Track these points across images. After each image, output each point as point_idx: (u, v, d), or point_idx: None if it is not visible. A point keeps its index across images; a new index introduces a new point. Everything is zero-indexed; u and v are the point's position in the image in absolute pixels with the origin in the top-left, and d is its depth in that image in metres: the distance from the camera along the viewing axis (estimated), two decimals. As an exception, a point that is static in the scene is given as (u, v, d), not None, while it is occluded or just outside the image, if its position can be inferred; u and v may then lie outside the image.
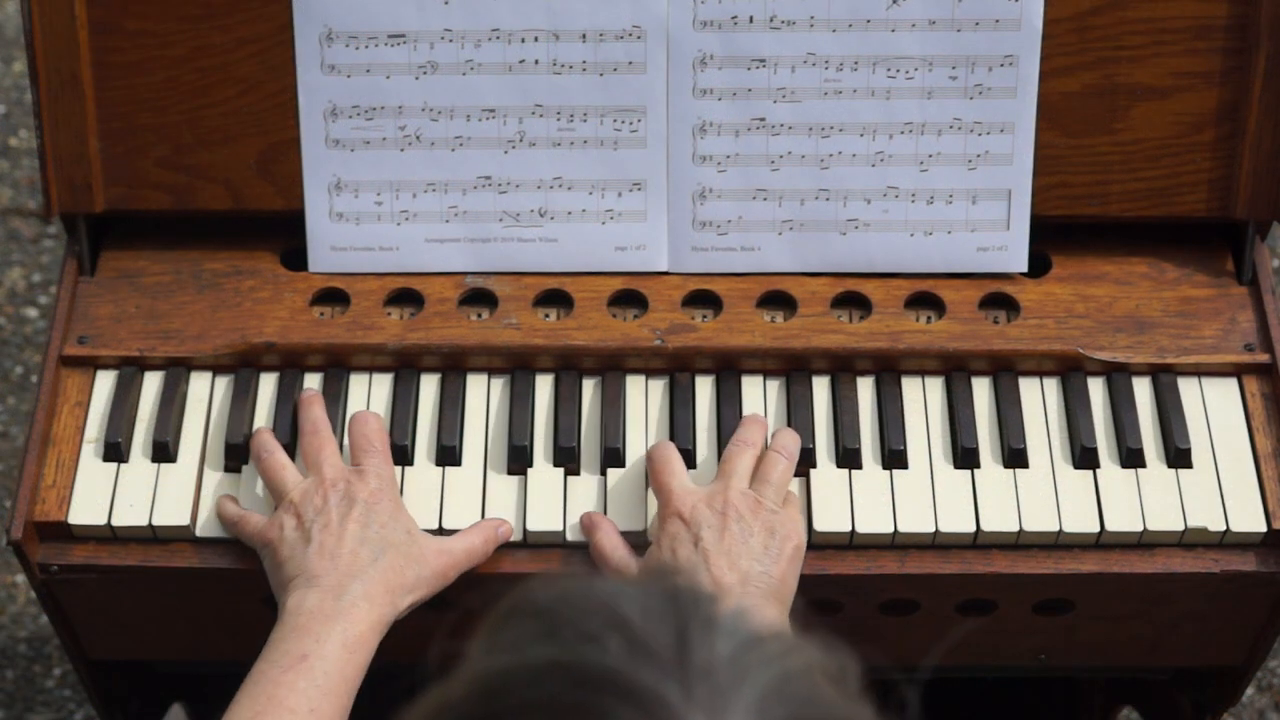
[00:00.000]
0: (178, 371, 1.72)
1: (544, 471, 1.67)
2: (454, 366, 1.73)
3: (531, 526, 1.64)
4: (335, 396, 1.71)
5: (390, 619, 1.52)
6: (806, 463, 1.67)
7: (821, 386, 1.73)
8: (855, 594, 1.67)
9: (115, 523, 1.65)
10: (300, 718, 1.43)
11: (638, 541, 1.65)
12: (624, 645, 0.90)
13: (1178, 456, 1.68)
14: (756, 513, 1.56)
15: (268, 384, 1.73)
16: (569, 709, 0.87)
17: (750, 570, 1.53)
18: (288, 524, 1.56)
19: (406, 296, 1.77)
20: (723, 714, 0.87)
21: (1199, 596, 1.68)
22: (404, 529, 1.57)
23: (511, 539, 1.64)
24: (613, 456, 1.67)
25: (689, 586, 0.95)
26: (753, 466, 1.62)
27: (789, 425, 1.69)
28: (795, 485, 1.66)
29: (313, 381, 1.72)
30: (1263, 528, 1.65)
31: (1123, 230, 1.80)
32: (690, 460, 1.67)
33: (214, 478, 1.68)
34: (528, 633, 0.93)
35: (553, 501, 1.66)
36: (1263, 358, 1.73)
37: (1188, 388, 1.72)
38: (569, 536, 1.65)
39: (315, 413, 1.66)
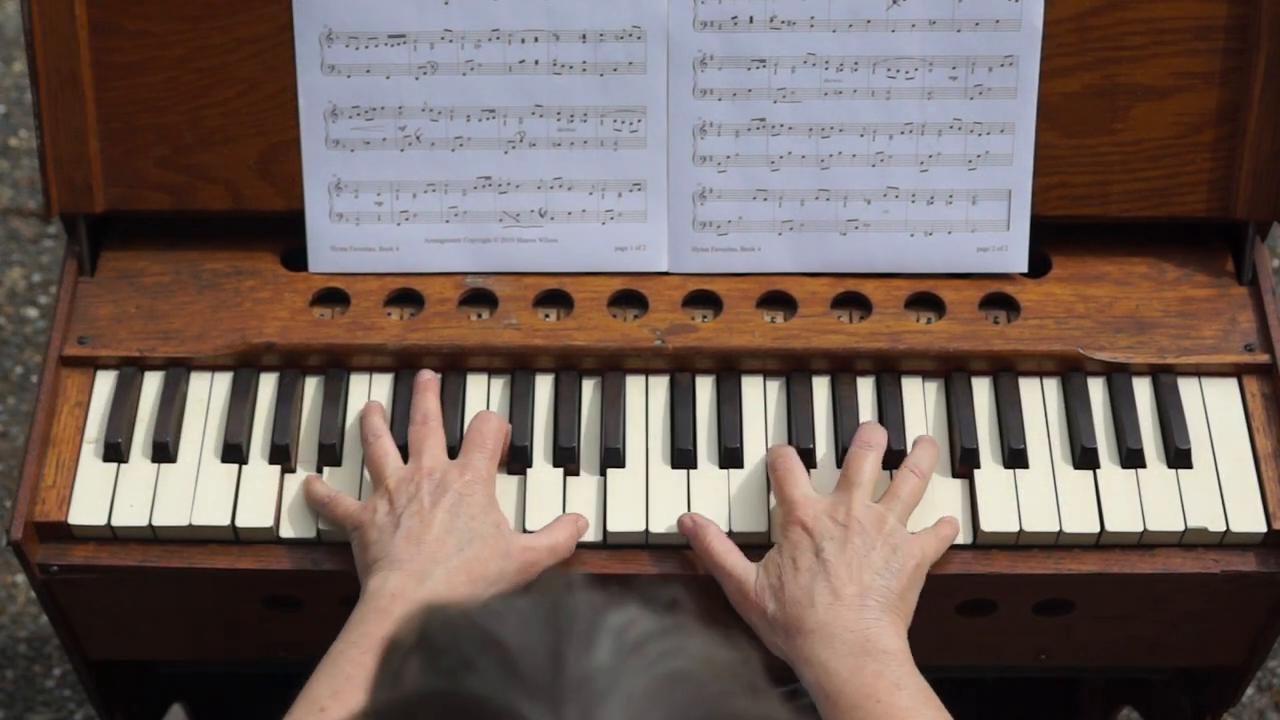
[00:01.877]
0: (178, 372, 1.72)
1: (543, 472, 1.67)
2: (454, 367, 1.73)
3: (531, 527, 1.64)
4: (335, 396, 1.71)
5: None
6: (807, 463, 1.67)
7: (821, 387, 1.73)
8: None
9: (115, 523, 1.65)
10: None
11: (637, 542, 1.65)
12: (496, 669, 0.88)
13: (1178, 457, 1.68)
14: (880, 527, 1.56)
15: (268, 384, 1.73)
16: None
17: (871, 584, 1.52)
18: (380, 508, 1.57)
19: (406, 296, 1.77)
20: None
21: (1199, 596, 1.68)
22: (493, 523, 1.57)
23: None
24: (613, 457, 1.67)
25: (573, 599, 0.93)
26: (876, 470, 1.61)
27: (789, 425, 1.69)
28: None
29: (313, 381, 1.73)
30: (1263, 528, 1.65)
31: (1123, 230, 1.80)
32: (691, 461, 1.67)
33: (214, 478, 1.67)
34: (409, 664, 0.92)
35: (552, 502, 1.66)
36: (1263, 358, 1.73)
37: (1188, 388, 1.72)
38: (569, 537, 1.65)
39: (429, 403, 1.66)
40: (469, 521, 1.55)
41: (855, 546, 1.54)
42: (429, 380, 1.69)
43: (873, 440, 1.63)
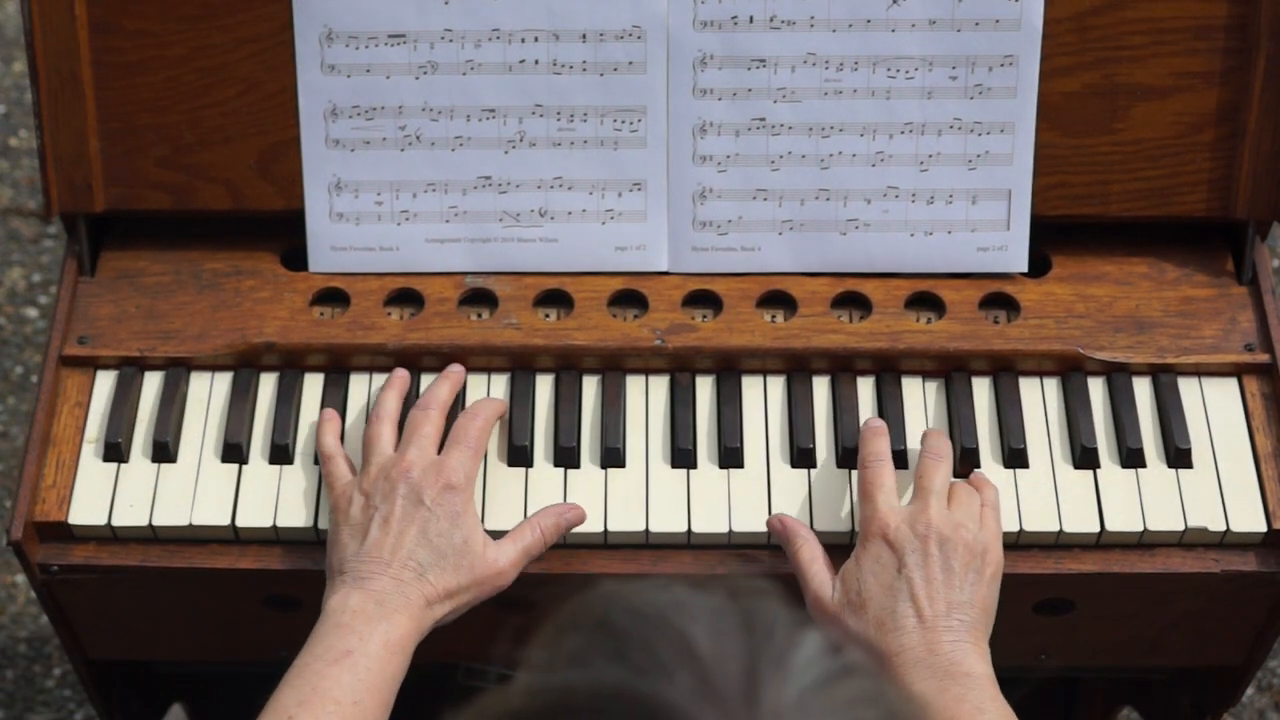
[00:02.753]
0: (178, 371, 1.72)
1: (544, 471, 1.67)
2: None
3: (531, 526, 1.65)
4: (335, 396, 1.71)
5: (429, 627, 1.54)
6: (807, 463, 1.67)
7: (821, 386, 1.73)
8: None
9: (115, 523, 1.65)
10: (345, 709, 1.44)
11: (638, 541, 1.65)
12: (692, 681, 0.88)
13: (1178, 456, 1.68)
14: (958, 534, 1.54)
15: (268, 384, 1.73)
16: None
17: (955, 599, 1.51)
18: (356, 502, 1.58)
19: (406, 296, 1.77)
20: None
21: (1199, 596, 1.68)
22: (462, 538, 1.56)
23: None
24: (613, 456, 1.67)
25: (765, 613, 0.93)
26: (948, 479, 1.60)
27: (789, 425, 1.69)
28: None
29: (313, 382, 1.73)
30: (1263, 528, 1.65)
31: (1123, 230, 1.80)
32: (691, 461, 1.67)
33: (214, 478, 1.67)
34: (595, 648, 0.91)
35: (552, 501, 1.65)
36: (1263, 358, 1.73)
37: (1188, 388, 1.72)
38: (568, 536, 1.64)
39: (440, 391, 1.66)
40: (435, 540, 1.55)
41: (936, 560, 1.52)
42: (456, 372, 1.69)
43: (942, 451, 1.62)
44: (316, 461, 1.68)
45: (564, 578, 1.63)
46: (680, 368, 1.73)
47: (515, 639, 1.00)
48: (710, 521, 1.64)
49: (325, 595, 1.55)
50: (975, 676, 1.48)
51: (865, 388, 1.72)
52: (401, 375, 1.69)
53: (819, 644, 0.92)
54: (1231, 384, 1.73)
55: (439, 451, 1.61)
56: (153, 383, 1.72)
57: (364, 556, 1.54)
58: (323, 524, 1.65)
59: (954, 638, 1.50)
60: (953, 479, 1.62)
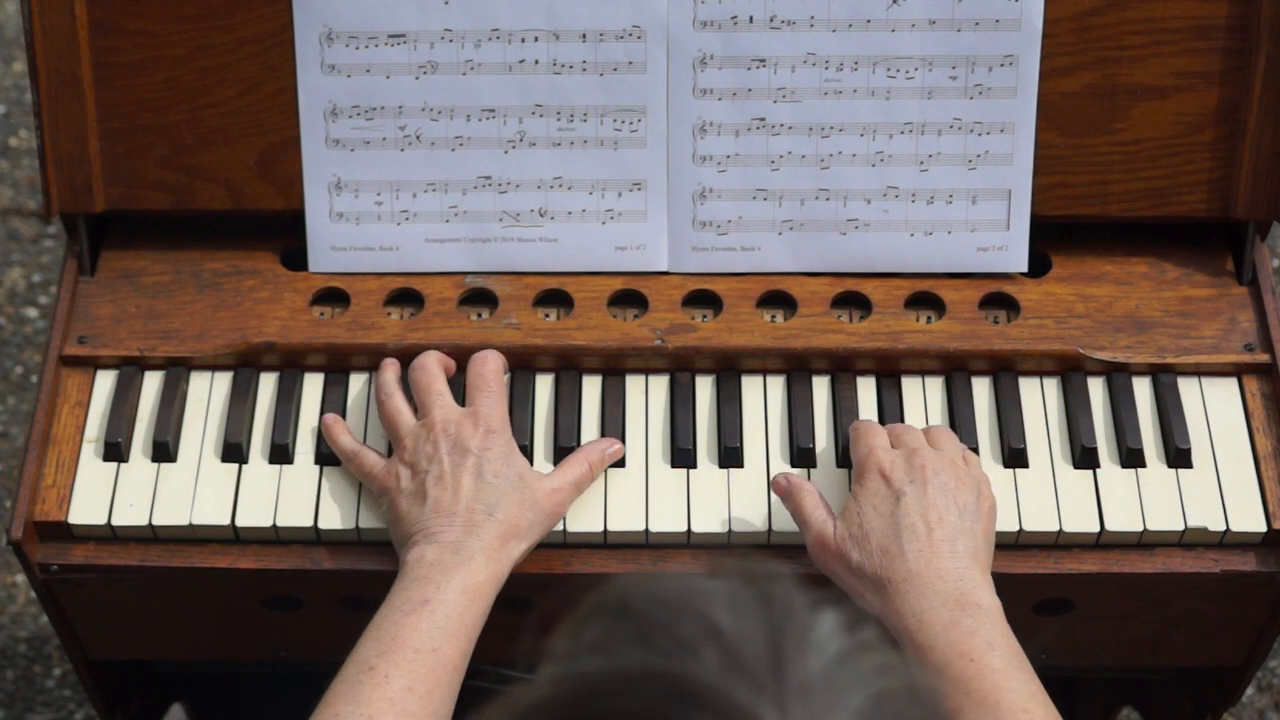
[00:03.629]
0: (178, 371, 1.72)
1: (544, 471, 1.67)
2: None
3: (531, 526, 1.65)
4: (335, 397, 1.71)
5: (507, 569, 1.56)
6: (806, 463, 1.67)
7: (821, 386, 1.73)
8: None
9: (115, 522, 1.65)
10: (424, 655, 1.46)
11: (637, 541, 1.65)
12: (719, 657, 0.88)
13: (1178, 456, 1.68)
14: (952, 468, 1.56)
15: (268, 384, 1.73)
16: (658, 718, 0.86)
17: (958, 526, 1.52)
18: (404, 475, 1.59)
19: (406, 296, 1.77)
20: None
21: (1199, 596, 1.68)
22: (516, 474, 1.58)
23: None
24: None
25: (783, 591, 0.93)
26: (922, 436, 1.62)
27: (789, 425, 1.69)
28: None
29: (313, 381, 1.73)
30: (1263, 528, 1.65)
31: (1123, 230, 1.80)
32: (691, 461, 1.67)
33: (214, 477, 1.68)
34: (618, 635, 0.92)
35: (553, 501, 1.66)
36: (1263, 358, 1.73)
37: (1188, 388, 1.72)
38: (568, 536, 1.64)
39: (427, 357, 1.67)
40: (493, 479, 1.57)
41: (935, 488, 1.54)
42: (433, 352, 1.69)
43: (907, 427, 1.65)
44: (317, 461, 1.68)
45: (565, 578, 1.63)
46: (680, 368, 1.73)
47: (532, 638, 1.00)
48: (710, 521, 1.64)
49: (401, 557, 1.56)
50: (985, 608, 1.48)
51: (865, 388, 1.72)
52: (391, 362, 1.70)
53: (837, 620, 0.93)
54: (1231, 384, 1.73)
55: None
56: (153, 382, 1.72)
57: (429, 514, 1.55)
58: (323, 523, 1.65)
59: (960, 564, 1.50)
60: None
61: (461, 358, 1.72)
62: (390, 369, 1.68)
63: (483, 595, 1.52)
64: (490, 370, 1.65)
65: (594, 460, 1.64)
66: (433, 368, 1.66)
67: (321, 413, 1.70)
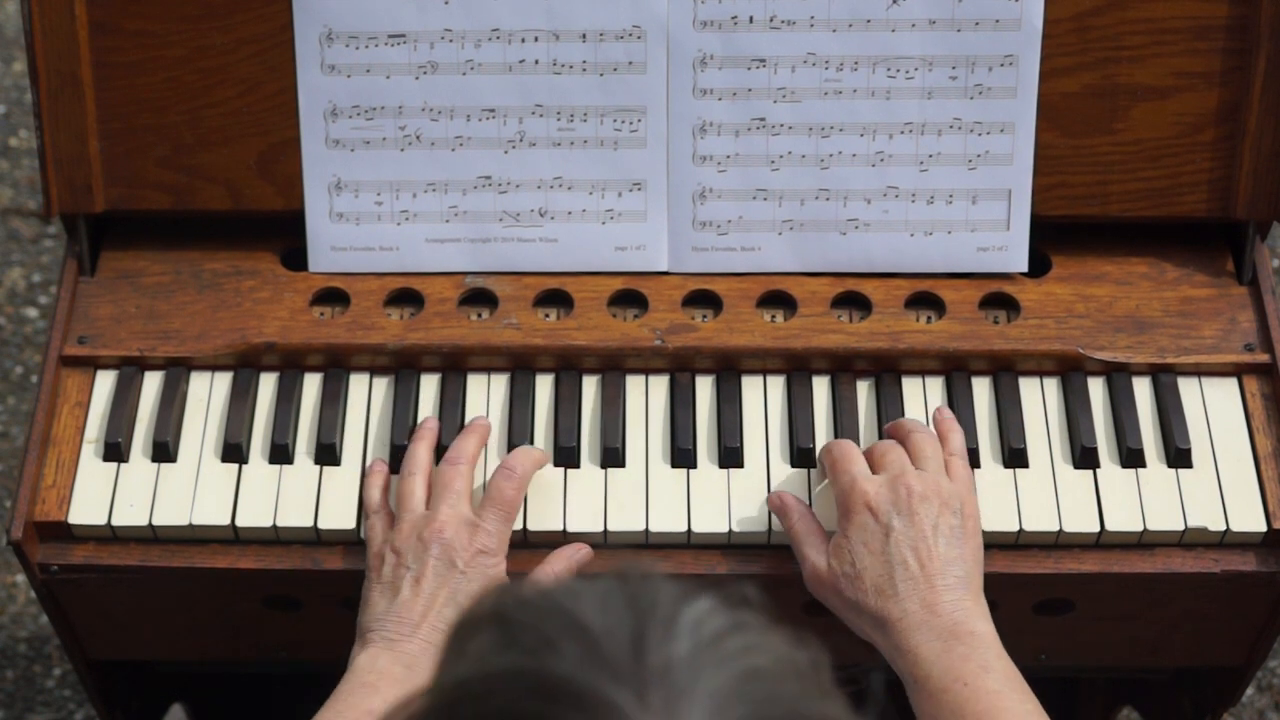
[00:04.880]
0: (178, 371, 1.72)
1: (544, 471, 1.67)
2: (454, 366, 1.73)
3: (532, 526, 1.65)
4: (335, 396, 1.71)
5: None
6: (807, 463, 1.67)
7: (821, 386, 1.73)
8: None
9: (115, 523, 1.65)
10: None
11: (638, 541, 1.65)
12: (580, 651, 0.89)
13: (1178, 456, 1.68)
14: (936, 490, 1.55)
15: (268, 384, 1.73)
16: (523, 717, 0.87)
17: (947, 555, 1.52)
18: (388, 560, 1.57)
19: (406, 296, 1.77)
20: (676, 716, 0.86)
21: (1199, 596, 1.68)
22: None
23: (512, 540, 1.64)
24: (612, 456, 1.67)
25: (652, 586, 0.94)
26: (904, 455, 1.61)
27: (789, 425, 1.69)
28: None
29: (313, 381, 1.72)
30: (1263, 528, 1.65)
31: (1123, 230, 1.80)
32: (690, 461, 1.67)
33: (214, 477, 1.67)
34: (489, 641, 0.92)
35: (553, 501, 1.66)
36: (1263, 358, 1.73)
37: (1188, 388, 1.72)
38: (569, 535, 1.64)
39: (469, 445, 1.64)
40: (465, 602, 1.53)
41: (923, 518, 1.53)
42: (482, 425, 1.67)
43: (890, 441, 1.64)
44: (317, 461, 1.68)
45: (564, 578, 1.63)
46: (680, 368, 1.73)
47: None
48: (710, 521, 1.64)
49: (353, 653, 1.54)
50: (979, 635, 1.49)
51: (865, 388, 1.72)
52: (431, 427, 1.67)
53: (707, 606, 0.93)
54: (1231, 384, 1.73)
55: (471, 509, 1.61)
56: (153, 383, 1.72)
57: (394, 616, 1.53)
58: (323, 524, 1.65)
59: (953, 596, 1.50)
60: (917, 428, 1.63)
61: (461, 358, 1.72)
62: (425, 444, 1.65)
63: None
64: (511, 488, 1.60)
65: (558, 570, 1.60)
66: (462, 466, 1.61)
67: (321, 412, 1.70)
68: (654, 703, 0.87)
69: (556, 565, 1.60)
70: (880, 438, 1.68)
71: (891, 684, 1.54)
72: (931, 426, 1.67)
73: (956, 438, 1.64)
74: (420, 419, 1.70)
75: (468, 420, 1.70)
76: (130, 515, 1.65)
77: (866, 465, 1.60)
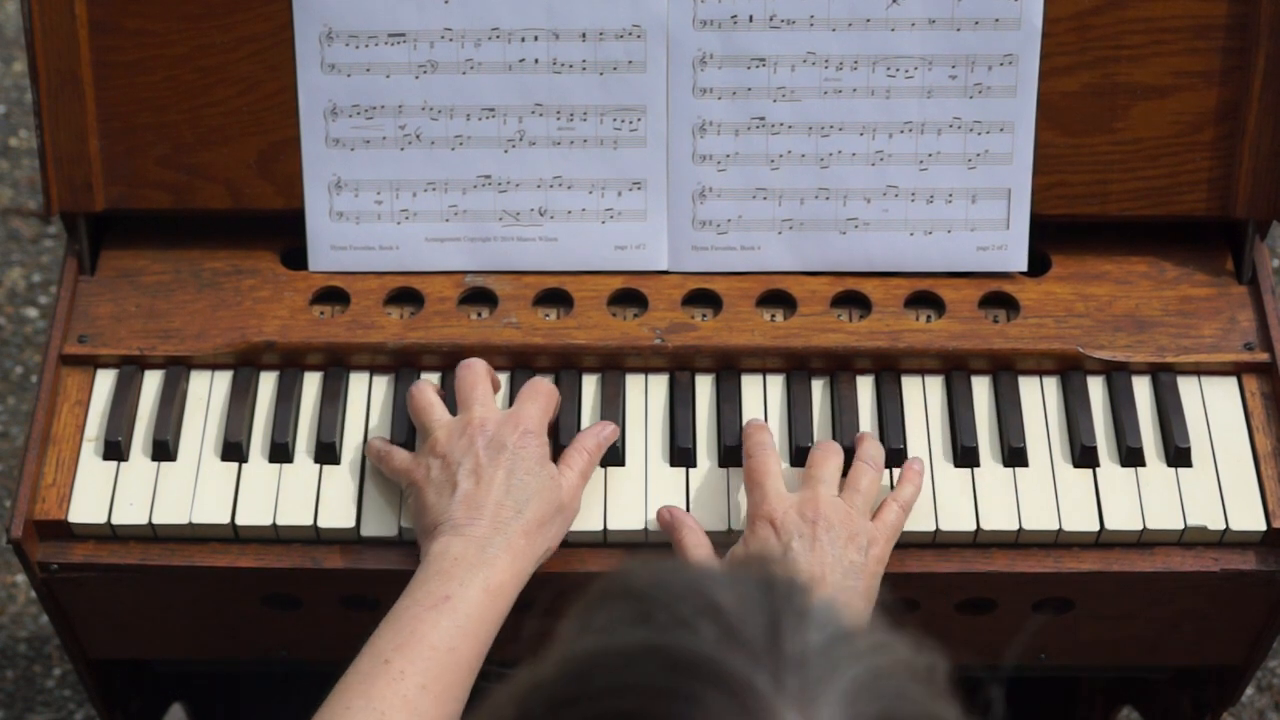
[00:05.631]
0: (178, 370, 1.72)
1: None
2: (454, 365, 1.72)
3: (531, 525, 1.65)
4: (335, 395, 1.71)
5: (531, 569, 1.55)
6: (806, 463, 1.67)
7: (821, 386, 1.73)
8: (855, 593, 1.67)
9: (115, 521, 1.65)
10: (440, 654, 1.45)
11: (637, 540, 1.65)
12: (717, 632, 0.90)
13: (1177, 455, 1.68)
14: (846, 523, 1.55)
15: (268, 383, 1.73)
16: (660, 693, 0.87)
17: (839, 584, 1.52)
18: (434, 466, 1.58)
19: (406, 296, 1.77)
20: (813, 706, 0.87)
21: (1199, 596, 1.68)
22: (548, 475, 1.58)
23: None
24: (612, 455, 1.67)
25: (784, 575, 0.94)
26: (839, 469, 1.61)
27: (788, 424, 1.69)
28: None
29: (312, 381, 1.73)
30: (1262, 527, 1.65)
31: (1123, 230, 1.80)
32: (690, 459, 1.67)
33: (214, 476, 1.68)
34: (621, 615, 0.93)
35: (552, 500, 1.66)
36: (1262, 357, 1.73)
37: (1187, 387, 1.72)
38: (568, 536, 1.64)
39: (475, 361, 1.66)
40: (525, 478, 1.56)
41: (823, 545, 1.53)
42: (482, 361, 1.69)
43: (832, 447, 1.63)
44: (317, 460, 1.68)
45: (563, 576, 1.63)
46: (680, 367, 1.73)
47: (533, 636, 1.01)
48: (710, 520, 1.64)
49: (423, 549, 1.54)
50: None
51: (865, 387, 1.72)
52: (426, 381, 1.69)
53: (830, 602, 0.94)
54: (1231, 383, 1.73)
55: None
56: (153, 382, 1.72)
57: (459, 505, 1.54)
58: (323, 522, 1.65)
59: None
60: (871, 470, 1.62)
61: (462, 357, 1.72)
62: (423, 385, 1.67)
63: (504, 595, 1.51)
64: (543, 386, 1.65)
65: (591, 448, 1.64)
66: (479, 369, 1.65)
67: (321, 411, 1.70)
68: (790, 688, 0.87)
69: (581, 461, 1.62)
70: (880, 436, 1.68)
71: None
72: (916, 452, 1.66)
73: (909, 489, 1.63)
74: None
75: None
76: (130, 514, 1.65)
77: (782, 481, 1.60)
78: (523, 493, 1.56)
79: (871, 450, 1.63)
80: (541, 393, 1.64)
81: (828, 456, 1.61)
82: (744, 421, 1.69)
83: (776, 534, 1.54)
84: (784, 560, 1.52)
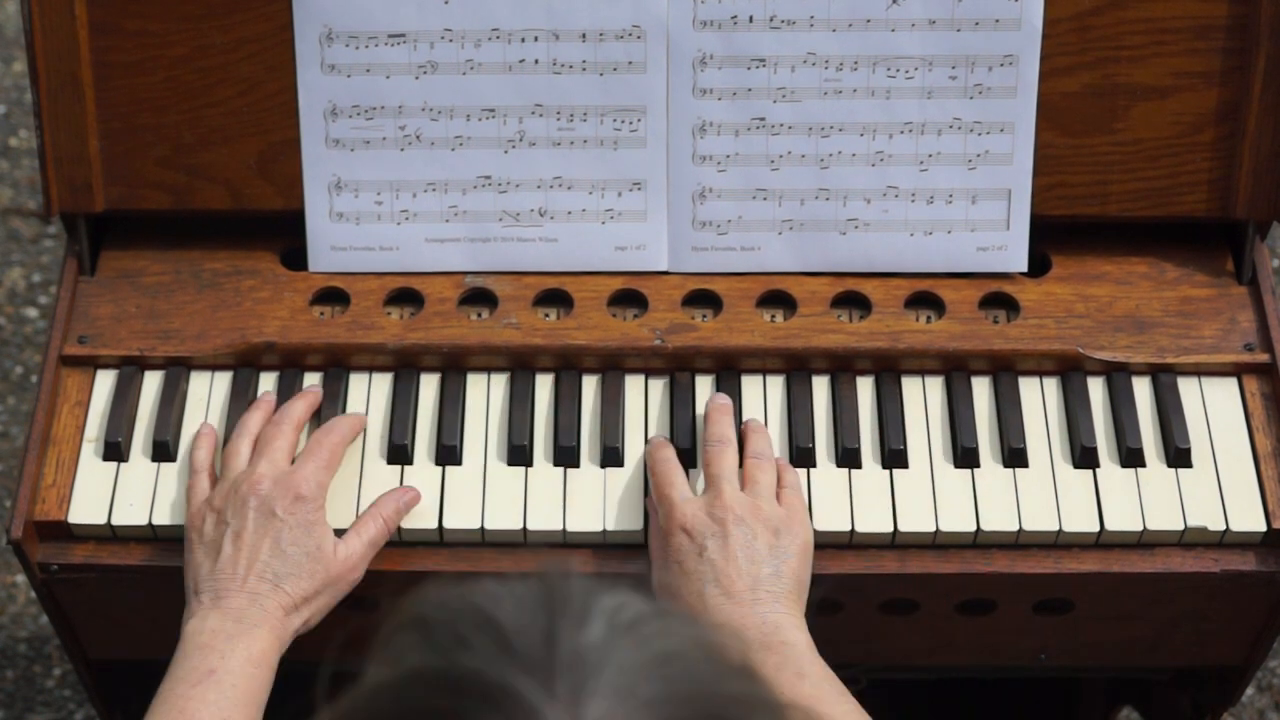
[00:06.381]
0: (178, 371, 1.72)
1: (544, 471, 1.67)
2: (454, 366, 1.73)
3: (532, 526, 1.65)
4: (335, 396, 1.71)
5: (289, 639, 1.55)
6: (806, 462, 1.67)
7: (821, 386, 1.73)
8: (855, 594, 1.67)
9: (115, 522, 1.65)
10: None
11: (636, 541, 1.65)
12: (490, 646, 0.90)
13: (1178, 456, 1.68)
14: (755, 513, 1.56)
15: (268, 384, 1.73)
16: (430, 715, 0.88)
17: (759, 574, 1.52)
18: (209, 520, 1.58)
19: (406, 296, 1.77)
20: (581, 698, 0.87)
21: (1199, 596, 1.68)
22: (314, 545, 1.57)
23: (511, 541, 1.64)
24: (612, 456, 1.67)
25: (568, 582, 0.95)
26: (736, 463, 1.62)
27: (788, 425, 1.69)
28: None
29: (313, 381, 1.72)
30: (1262, 527, 1.65)
31: (1123, 230, 1.80)
32: (690, 459, 1.67)
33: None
34: (408, 642, 0.94)
35: (552, 501, 1.66)
36: (1262, 357, 1.73)
37: (1188, 387, 1.72)
38: (569, 535, 1.65)
39: (296, 409, 1.66)
40: (289, 549, 1.55)
41: (737, 539, 1.54)
42: (314, 390, 1.69)
43: (725, 436, 1.64)
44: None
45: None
46: (680, 367, 1.73)
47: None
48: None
49: (184, 618, 1.54)
50: (791, 644, 1.49)
51: (865, 387, 1.72)
52: (268, 399, 1.69)
53: (626, 596, 0.94)
54: (1231, 384, 1.73)
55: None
56: (153, 382, 1.72)
57: (219, 574, 1.54)
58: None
59: (764, 609, 1.50)
60: (764, 458, 1.63)
61: (461, 358, 1.72)
62: (259, 412, 1.67)
63: (266, 663, 1.51)
64: (331, 440, 1.63)
65: (388, 515, 1.62)
66: (284, 426, 1.64)
67: (320, 412, 1.70)
68: (560, 689, 0.88)
69: (371, 529, 1.60)
70: (880, 436, 1.68)
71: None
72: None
73: (789, 475, 1.64)
74: (419, 419, 1.70)
75: (466, 418, 1.70)
76: (130, 515, 1.65)
77: (686, 486, 1.60)
78: (284, 565, 1.55)
79: (761, 444, 1.64)
80: (325, 447, 1.62)
81: (722, 453, 1.62)
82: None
83: (690, 538, 1.55)
84: (701, 559, 1.53)
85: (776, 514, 1.57)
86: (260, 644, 1.51)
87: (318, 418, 1.70)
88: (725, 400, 1.68)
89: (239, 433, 1.65)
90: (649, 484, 1.66)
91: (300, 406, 1.67)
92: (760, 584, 1.52)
